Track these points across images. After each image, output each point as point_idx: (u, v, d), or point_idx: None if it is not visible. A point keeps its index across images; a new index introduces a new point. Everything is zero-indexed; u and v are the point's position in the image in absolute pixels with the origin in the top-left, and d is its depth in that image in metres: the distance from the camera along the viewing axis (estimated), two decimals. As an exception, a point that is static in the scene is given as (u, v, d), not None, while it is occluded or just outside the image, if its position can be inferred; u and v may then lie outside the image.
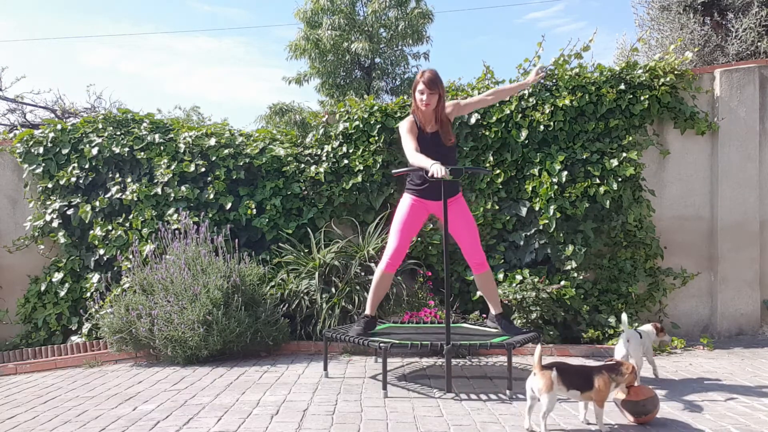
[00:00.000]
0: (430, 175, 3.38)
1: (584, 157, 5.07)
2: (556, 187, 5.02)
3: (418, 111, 3.73)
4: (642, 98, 5.09)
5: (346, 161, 5.34)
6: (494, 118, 5.19)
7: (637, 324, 4.84)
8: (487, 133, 5.22)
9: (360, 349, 4.62)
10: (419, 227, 3.90)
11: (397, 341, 3.60)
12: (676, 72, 5.17)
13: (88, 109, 9.49)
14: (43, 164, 5.51)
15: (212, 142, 5.40)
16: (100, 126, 5.66)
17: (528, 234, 5.11)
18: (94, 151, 5.45)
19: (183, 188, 5.29)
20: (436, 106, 3.68)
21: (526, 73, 5.34)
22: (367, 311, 3.86)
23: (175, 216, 5.18)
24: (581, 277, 4.95)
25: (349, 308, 4.79)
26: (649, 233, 5.08)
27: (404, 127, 3.70)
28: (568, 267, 4.95)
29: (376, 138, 5.32)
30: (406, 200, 3.83)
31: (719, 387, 3.63)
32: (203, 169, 5.33)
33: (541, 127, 5.14)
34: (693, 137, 5.30)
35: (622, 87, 5.12)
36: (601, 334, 4.80)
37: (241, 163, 5.37)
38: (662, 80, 5.13)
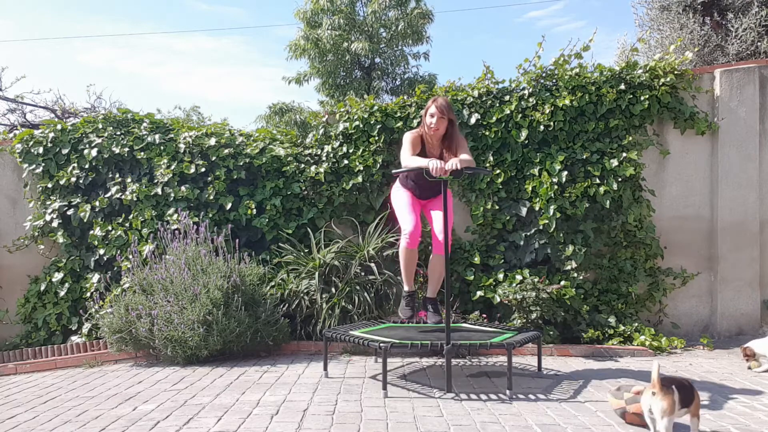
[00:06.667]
0: (432, 171, 3.44)
1: (584, 157, 5.07)
2: (556, 187, 5.02)
3: (426, 135, 3.77)
4: (642, 98, 5.09)
5: (346, 161, 5.34)
6: (494, 118, 5.19)
7: (636, 324, 4.85)
8: (487, 133, 5.21)
9: (360, 349, 4.62)
10: (420, 209, 4.00)
11: (397, 341, 3.60)
12: (676, 72, 5.17)
13: (88, 109, 9.48)
14: (43, 164, 5.51)
15: (212, 142, 5.40)
16: (100, 126, 5.65)
17: (528, 234, 5.11)
18: (94, 151, 5.45)
19: (183, 188, 5.29)
20: (444, 132, 3.71)
21: (527, 73, 5.35)
22: (406, 288, 3.97)
23: (175, 216, 5.18)
24: (581, 277, 4.95)
25: (349, 308, 4.78)
26: (649, 233, 5.08)
27: (408, 137, 3.76)
28: (568, 267, 4.95)
29: (376, 138, 5.32)
30: (400, 189, 3.96)
31: (719, 387, 3.63)
32: (203, 169, 5.33)
33: (541, 127, 5.14)
34: (693, 137, 5.30)
35: (622, 87, 5.12)
36: (601, 334, 4.80)
37: (241, 163, 5.37)
38: (662, 80, 5.13)
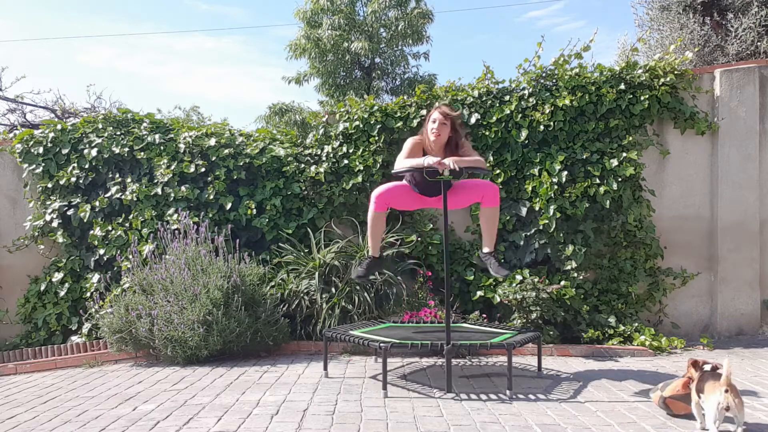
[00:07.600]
0: (427, 165, 3.41)
1: (584, 157, 5.07)
2: (556, 187, 5.02)
3: (428, 141, 3.69)
4: (642, 98, 5.09)
5: (346, 161, 5.34)
6: (494, 118, 5.19)
7: (636, 324, 4.85)
8: (487, 133, 5.21)
9: (360, 349, 4.62)
10: (403, 204, 3.90)
11: (397, 341, 3.60)
12: (676, 72, 5.17)
13: (88, 109, 9.47)
14: (43, 164, 5.51)
15: (212, 142, 5.40)
16: (100, 126, 5.66)
17: (528, 234, 5.11)
18: (94, 151, 5.45)
19: (183, 188, 5.29)
20: (446, 140, 3.67)
21: (527, 73, 5.35)
22: (371, 252, 3.89)
23: (175, 216, 5.18)
24: (581, 277, 4.95)
25: (349, 308, 4.78)
26: (649, 233, 5.08)
27: (409, 142, 3.70)
28: (568, 267, 4.95)
29: (376, 138, 5.32)
30: (403, 183, 3.84)
31: (719, 387, 3.63)
32: (203, 169, 5.33)
33: (541, 127, 5.14)
34: (693, 137, 5.30)
35: (622, 87, 5.12)
36: (601, 334, 4.80)
37: (241, 163, 5.37)
38: (662, 80, 5.13)
